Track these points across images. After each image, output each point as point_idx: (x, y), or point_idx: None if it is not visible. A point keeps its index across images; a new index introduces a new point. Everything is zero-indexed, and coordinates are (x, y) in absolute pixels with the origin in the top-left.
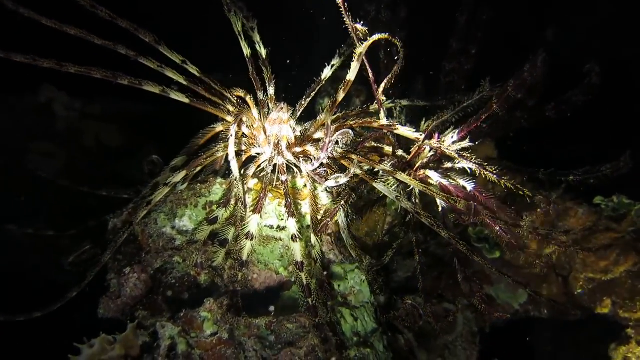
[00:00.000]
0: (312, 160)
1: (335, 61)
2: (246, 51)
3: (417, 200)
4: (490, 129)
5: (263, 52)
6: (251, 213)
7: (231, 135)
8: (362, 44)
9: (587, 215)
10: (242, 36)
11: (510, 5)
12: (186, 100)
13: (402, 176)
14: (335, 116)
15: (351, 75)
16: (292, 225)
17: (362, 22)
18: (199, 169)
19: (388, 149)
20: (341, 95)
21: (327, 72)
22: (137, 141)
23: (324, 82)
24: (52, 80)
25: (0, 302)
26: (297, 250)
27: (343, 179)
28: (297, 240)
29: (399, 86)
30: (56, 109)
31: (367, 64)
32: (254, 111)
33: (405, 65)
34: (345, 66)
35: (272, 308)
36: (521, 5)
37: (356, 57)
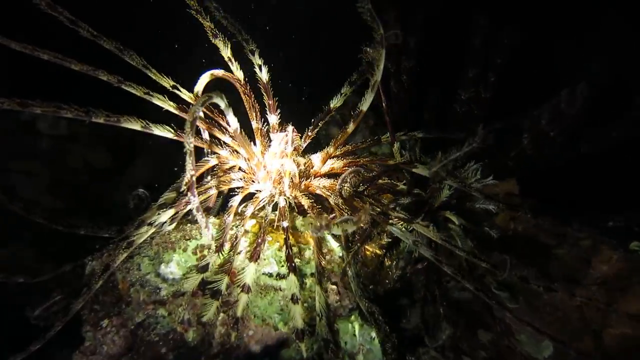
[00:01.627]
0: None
1: (346, 89)
2: (239, 76)
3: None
4: (515, 166)
5: (265, 76)
6: (247, 261)
7: (192, 195)
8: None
9: (623, 262)
10: (233, 61)
11: (536, 27)
12: (171, 135)
13: (420, 227)
14: (344, 148)
15: (365, 105)
16: (292, 283)
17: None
18: (189, 207)
19: (402, 186)
20: (352, 127)
21: (336, 101)
22: (127, 163)
23: (333, 112)
24: (36, 97)
25: None
26: (297, 314)
27: (351, 227)
28: (298, 302)
29: (411, 116)
30: (40, 127)
31: (382, 93)
32: (252, 145)
33: (418, 94)
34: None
35: None
36: (548, 28)
37: (371, 85)
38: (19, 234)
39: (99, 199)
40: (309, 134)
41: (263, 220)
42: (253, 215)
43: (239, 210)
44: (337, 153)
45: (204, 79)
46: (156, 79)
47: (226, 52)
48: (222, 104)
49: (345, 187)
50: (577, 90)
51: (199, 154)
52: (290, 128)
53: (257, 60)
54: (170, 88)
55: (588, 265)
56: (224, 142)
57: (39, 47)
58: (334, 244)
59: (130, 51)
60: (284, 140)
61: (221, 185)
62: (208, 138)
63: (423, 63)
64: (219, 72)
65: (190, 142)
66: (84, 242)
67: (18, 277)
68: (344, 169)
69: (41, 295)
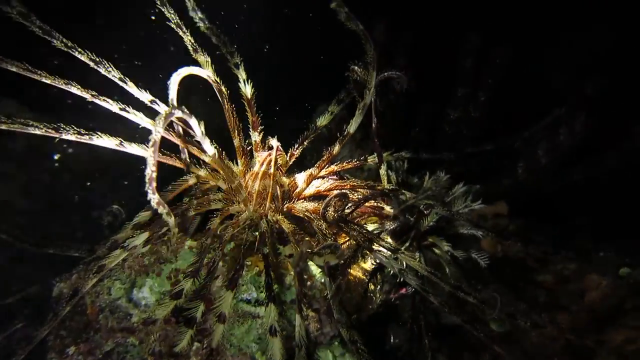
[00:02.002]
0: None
1: (333, 107)
2: (222, 95)
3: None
4: (505, 191)
5: (248, 91)
6: (225, 288)
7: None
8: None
9: (613, 288)
10: (215, 78)
11: (527, 46)
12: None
13: (406, 257)
14: (329, 169)
15: (352, 127)
16: (271, 314)
17: (360, 64)
18: (164, 229)
19: (389, 209)
20: (337, 149)
21: (322, 120)
22: (107, 166)
23: (319, 131)
24: (12, 94)
25: None
26: (276, 348)
27: (333, 260)
28: (277, 334)
29: (398, 135)
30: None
31: (373, 113)
32: (233, 164)
33: (405, 113)
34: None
35: None
36: (540, 47)
37: (360, 108)
38: None
39: (76, 202)
40: (294, 152)
41: (242, 245)
42: (232, 238)
43: (218, 232)
44: (322, 174)
45: (175, 82)
46: (133, 93)
47: (207, 70)
48: (197, 130)
49: (330, 212)
50: (577, 121)
51: (178, 173)
52: (275, 143)
53: (241, 74)
54: (149, 103)
55: (577, 291)
56: (203, 161)
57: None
58: (315, 269)
59: (106, 63)
60: (267, 160)
61: (199, 208)
62: (187, 156)
63: (412, 81)
64: (192, 70)
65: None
66: (53, 260)
67: None
68: (329, 191)
69: (7, 319)
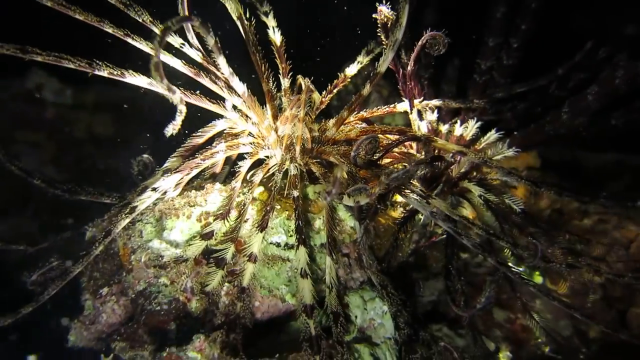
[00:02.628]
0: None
1: (362, 57)
2: (249, 38)
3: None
4: (539, 137)
5: (277, 39)
6: (255, 230)
7: None
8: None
9: None
10: (243, 19)
11: None
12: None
13: (436, 202)
14: (358, 115)
15: (383, 66)
16: (302, 257)
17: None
18: (194, 172)
19: (419, 155)
20: (368, 89)
21: (352, 69)
22: (133, 133)
23: (348, 81)
24: (42, 64)
25: None
26: (307, 289)
27: (364, 199)
28: (307, 276)
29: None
30: (46, 95)
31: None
32: (262, 109)
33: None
34: None
35: None
36: None
37: (391, 43)
38: (22, 205)
39: (104, 170)
40: (323, 100)
41: (272, 188)
42: (262, 183)
43: (248, 177)
44: (352, 119)
45: None
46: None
47: (236, 11)
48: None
49: (361, 154)
50: (638, 64)
51: (210, 118)
52: (305, 82)
53: (271, 22)
54: (179, 46)
55: (614, 242)
56: (233, 105)
57: None
58: (345, 214)
59: (136, 6)
60: (296, 102)
61: (228, 150)
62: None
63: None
64: None
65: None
66: (87, 212)
67: (17, 246)
68: (360, 136)
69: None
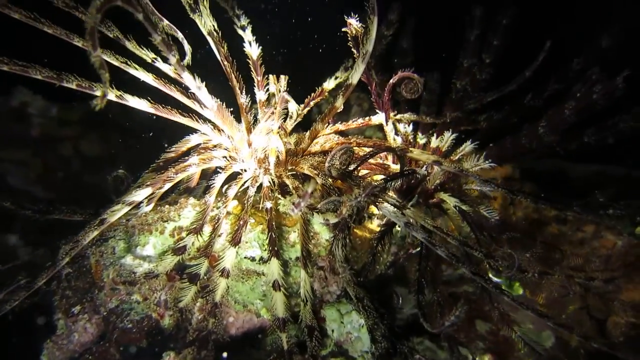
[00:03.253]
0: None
1: (340, 74)
2: (220, 52)
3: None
4: (516, 150)
5: (254, 53)
6: (228, 244)
7: None
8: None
9: (628, 247)
10: (215, 36)
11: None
12: (148, 108)
13: (411, 212)
14: (334, 127)
15: (354, 77)
16: (274, 268)
17: (357, 18)
18: (167, 186)
19: (394, 167)
20: (341, 101)
21: (330, 83)
22: (121, 152)
23: (326, 95)
24: (26, 82)
25: None
26: (279, 301)
27: (333, 219)
28: (280, 288)
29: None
30: (31, 114)
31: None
32: (234, 123)
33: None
34: None
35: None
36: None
37: (361, 55)
38: (8, 224)
39: (91, 189)
40: (299, 112)
41: (246, 202)
42: (236, 197)
43: (223, 191)
44: (328, 132)
45: None
46: (135, 51)
47: (206, 27)
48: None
49: (335, 165)
50: (616, 80)
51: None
52: (280, 93)
53: (247, 36)
54: (151, 61)
55: (591, 251)
56: (205, 117)
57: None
58: (320, 227)
59: (107, 22)
60: (273, 112)
61: (201, 163)
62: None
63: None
64: None
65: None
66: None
67: None
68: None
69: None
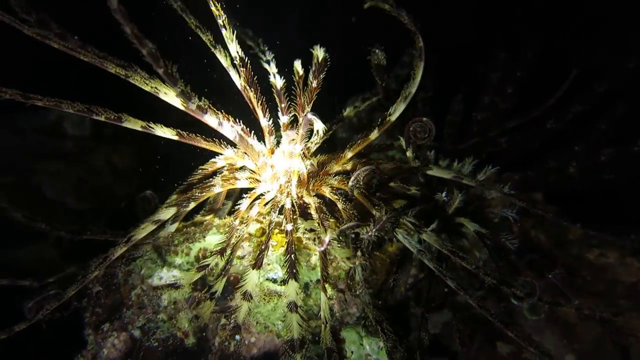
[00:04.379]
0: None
1: (359, 104)
2: (242, 82)
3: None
4: (541, 185)
5: (279, 83)
6: (250, 267)
7: None
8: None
9: None
10: (238, 67)
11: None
12: (173, 136)
13: (428, 236)
14: (356, 150)
15: (394, 115)
16: (292, 290)
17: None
18: (192, 205)
19: (415, 191)
20: (375, 134)
21: (348, 111)
22: (152, 165)
23: (345, 119)
24: (62, 97)
25: None
26: (295, 323)
27: (367, 234)
28: (297, 310)
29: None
30: (66, 127)
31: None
32: (256, 143)
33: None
34: None
35: None
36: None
37: (404, 96)
38: (42, 235)
39: (121, 200)
40: (321, 135)
41: (268, 226)
42: (258, 220)
43: (245, 214)
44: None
45: None
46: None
47: (225, 62)
48: (212, 122)
49: (359, 185)
50: None
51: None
52: (307, 115)
53: (272, 69)
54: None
55: (614, 278)
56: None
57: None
58: (339, 250)
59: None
60: (297, 136)
61: (225, 184)
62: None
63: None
64: None
65: None
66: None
67: (22, 281)
68: (357, 168)
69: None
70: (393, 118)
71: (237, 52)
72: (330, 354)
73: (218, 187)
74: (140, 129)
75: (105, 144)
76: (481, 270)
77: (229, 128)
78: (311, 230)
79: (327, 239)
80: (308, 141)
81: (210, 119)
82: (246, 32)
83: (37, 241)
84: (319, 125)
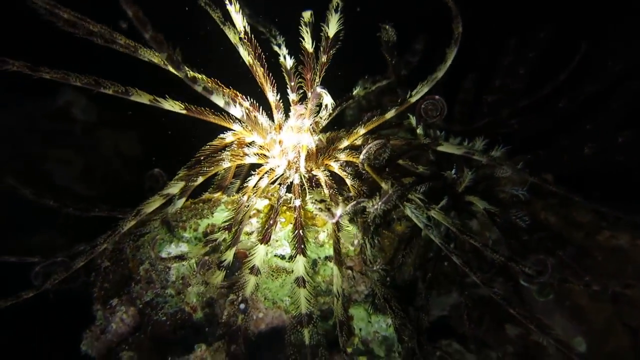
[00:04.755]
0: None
1: (369, 85)
2: (250, 61)
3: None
4: (551, 161)
5: (289, 63)
6: (258, 242)
7: None
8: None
9: None
10: (244, 44)
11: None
12: (182, 110)
13: (436, 213)
14: (369, 127)
15: (415, 97)
16: (300, 266)
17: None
18: (200, 180)
19: (423, 169)
20: (392, 114)
21: (358, 89)
22: (160, 151)
23: (352, 100)
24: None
25: None
26: (303, 298)
27: (373, 207)
28: (305, 285)
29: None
30: (75, 113)
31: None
32: (264, 120)
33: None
34: None
35: None
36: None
37: (428, 81)
38: (51, 221)
39: (130, 186)
40: (330, 112)
41: (275, 201)
42: (266, 197)
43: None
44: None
45: None
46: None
47: (234, 38)
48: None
49: (370, 157)
50: None
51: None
52: (316, 88)
53: (283, 51)
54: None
55: (626, 259)
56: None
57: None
58: (349, 227)
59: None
60: (305, 110)
61: (234, 159)
62: None
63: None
64: None
65: None
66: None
67: (32, 258)
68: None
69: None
70: (413, 100)
71: (244, 27)
72: (342, 326)
73: (226, 162)
74: (148, 103)
75: (113, 129)
76: (489, 249)
77: (235, 109)
78: (321, 201)
79: (338, 211)
80: (316, 116)
81: (217, 99)
82: (258, 20)
83: (47, 230)
84: (327, 100)
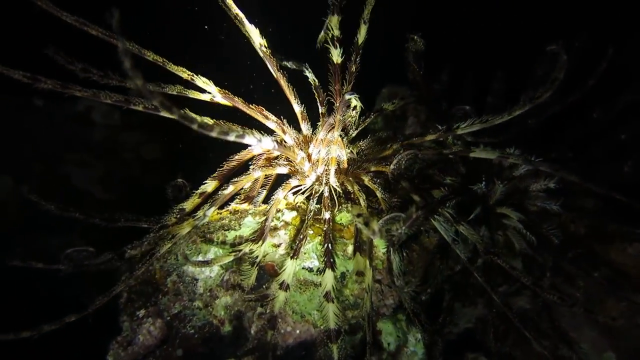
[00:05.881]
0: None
1: (397, 101)
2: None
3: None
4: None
5: (316, 80)
6: (287, 257)
7: None
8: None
9: None
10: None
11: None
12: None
13: (464, 229)
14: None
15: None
16: (328, 280)
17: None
18: (230, 188)
19: (452, 180)
20: (432, 137)
21: (387, 105)
22: (181, 156)
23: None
24: (92, 87)
25: None
26: (331, 313)
27: (403, 225)
28: (333, 301)
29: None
30: (95, 118)
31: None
32: (289, 137)
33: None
34: None
35: None
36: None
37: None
38: (71, 225)
39: (151, 191)
40: (359, 123)
41: (305, 214)
42: (295, 208)
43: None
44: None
45: None
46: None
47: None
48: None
49: (400, 169)
50: None
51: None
52: (345, 95)
53: (309, 74)
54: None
55: None
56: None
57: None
58: (377, 241)
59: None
60: (335, 121)
61: (263, 169)
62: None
63: None
64: None
65: None
66: (131, 234)
67: (56, 266)
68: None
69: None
70: (459, 132)
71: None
72: (370, 343)
73: (258, 171)
74: (176, 118)
75: (135, 133)
76: (517, 272)
77: (268, 141)
78: (358, 215)
79: (377, 226)
80: (346, 126)
81: (250, 139)
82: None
83: (67, 233)
84: (357, 103)
